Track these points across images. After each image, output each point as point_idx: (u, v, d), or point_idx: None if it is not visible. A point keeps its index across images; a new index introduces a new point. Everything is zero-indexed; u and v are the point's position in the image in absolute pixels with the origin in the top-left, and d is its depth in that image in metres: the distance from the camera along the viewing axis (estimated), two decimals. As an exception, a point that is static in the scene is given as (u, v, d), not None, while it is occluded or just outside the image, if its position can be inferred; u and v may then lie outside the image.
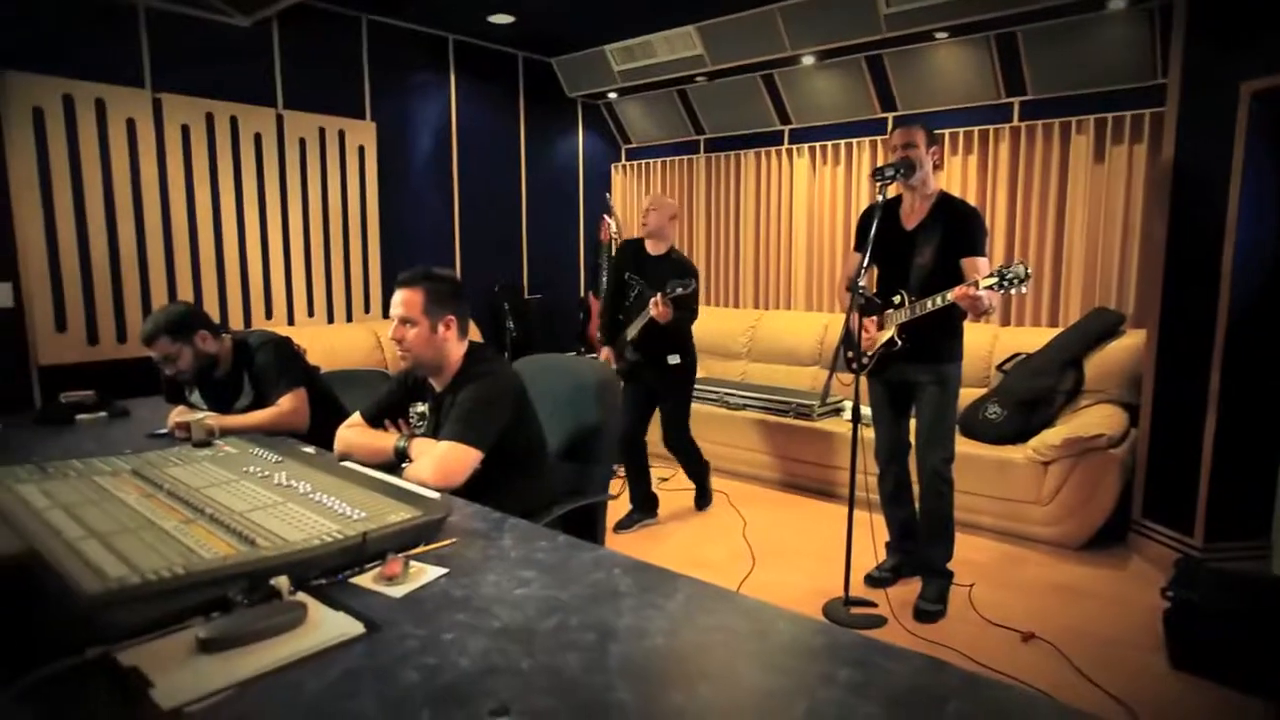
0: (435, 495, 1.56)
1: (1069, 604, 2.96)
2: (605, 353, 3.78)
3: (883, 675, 0.99)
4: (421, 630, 1.09)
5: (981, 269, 2.56)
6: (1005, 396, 3.84)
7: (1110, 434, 3.34)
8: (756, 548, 3.49)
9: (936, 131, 4.45)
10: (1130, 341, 3.75)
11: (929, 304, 2.59)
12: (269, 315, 4.31)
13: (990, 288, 2.41)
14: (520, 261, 5.68)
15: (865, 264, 2.71)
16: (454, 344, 1.95)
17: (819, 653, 1.05)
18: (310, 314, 4.48)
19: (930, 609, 2.80)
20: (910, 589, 2.99)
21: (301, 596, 1.16)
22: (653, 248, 3.71)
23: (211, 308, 4.07)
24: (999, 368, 4.07)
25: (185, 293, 3.98)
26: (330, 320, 4.56)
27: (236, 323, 4.18)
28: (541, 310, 5.66)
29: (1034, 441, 3.49)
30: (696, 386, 4.81)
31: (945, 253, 2.65)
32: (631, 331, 3.62)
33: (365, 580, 1.25)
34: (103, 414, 2.55)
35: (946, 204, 2.74)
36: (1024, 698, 0.95)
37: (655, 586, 1.24)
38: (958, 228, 2.67)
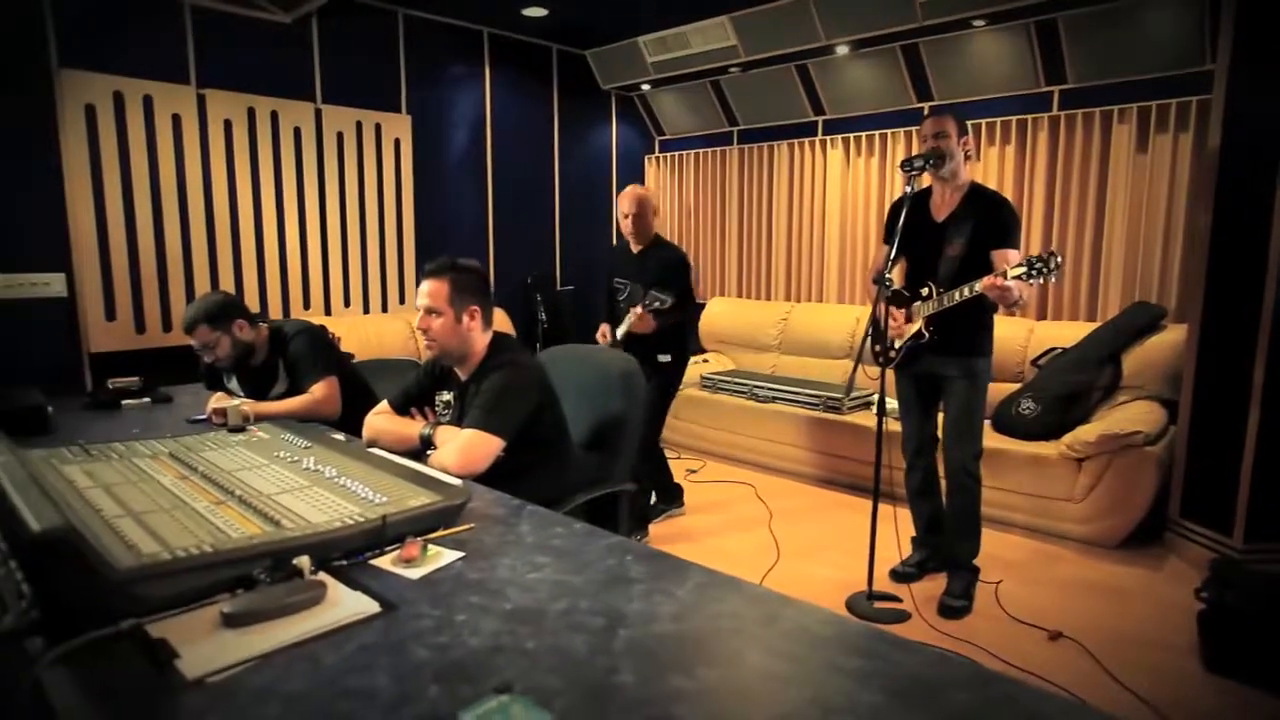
0: (457, 482, 1.59)
1: (1101, 603, 2.90)
2: (604, 328, 3.60)
3: (889, 666, 0.99)
4: (435, 610, 1.12)
5: (1012, 261, 2.51)
6: (1040, 392, 3.77)
7: (1147, 431, 3.26)
8: (782, 541, 3.49)
9: (973, 121, 4.41)
10: (1172, 336, 3.64)
11: (956, 295, 2.56)
12: (307, 305, 4.42)
13: (1019, 278, 2.37)
14: (553, 253, 5.72)
15: (894, 256, 2.68)
16: (478, 334, 1.99)
17: (826, 642, 1.06)
18: (347, 304, 4.58)
19: (955, 605, 2.77)
20: (936, 584, 2.96)
21: (322, 576, 1.21)
22: (634, 245, 3.56)
23: (252, 298, 4.19)
24: (1034, 362, 3.99)
25: (227, 283, 4.10)
26: (366, 310, 4.66)
27: (276, 312, 4.29)
28: (574, 302, 5.71)
29: (1068, 438, 3.42)
30: (725, 379, 4.83)
31: (976, 244, 2.61)
32: (619, 332, 3.44)
33: (384, 562, 1.29)
34: (146, 399, 2.65)
35: (978, 195, 2.69)
36: (1033, 692, 0.93)
37: (666, 574, 1.26)
38: (990, 219, 2.62)
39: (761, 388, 4.63)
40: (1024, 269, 2.36)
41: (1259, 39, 2.96)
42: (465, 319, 1.94)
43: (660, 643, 1.04)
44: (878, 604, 2.79)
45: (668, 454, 4.87)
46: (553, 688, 0.92)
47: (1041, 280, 2.34)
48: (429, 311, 1.93)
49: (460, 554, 1.33)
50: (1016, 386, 3.96)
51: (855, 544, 3.19)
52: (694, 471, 4.56)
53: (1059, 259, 2.32)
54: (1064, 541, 3.45)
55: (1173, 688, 2.32)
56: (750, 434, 4.59)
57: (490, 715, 0.80)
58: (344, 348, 3.49)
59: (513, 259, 5.39)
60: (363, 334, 4.24)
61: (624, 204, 3.51)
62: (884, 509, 2.83)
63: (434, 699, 0.89)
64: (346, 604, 1.14)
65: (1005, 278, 2.39)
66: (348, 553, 1.30)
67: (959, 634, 2.67)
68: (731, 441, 4.71)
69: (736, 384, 4.76)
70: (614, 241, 6.09)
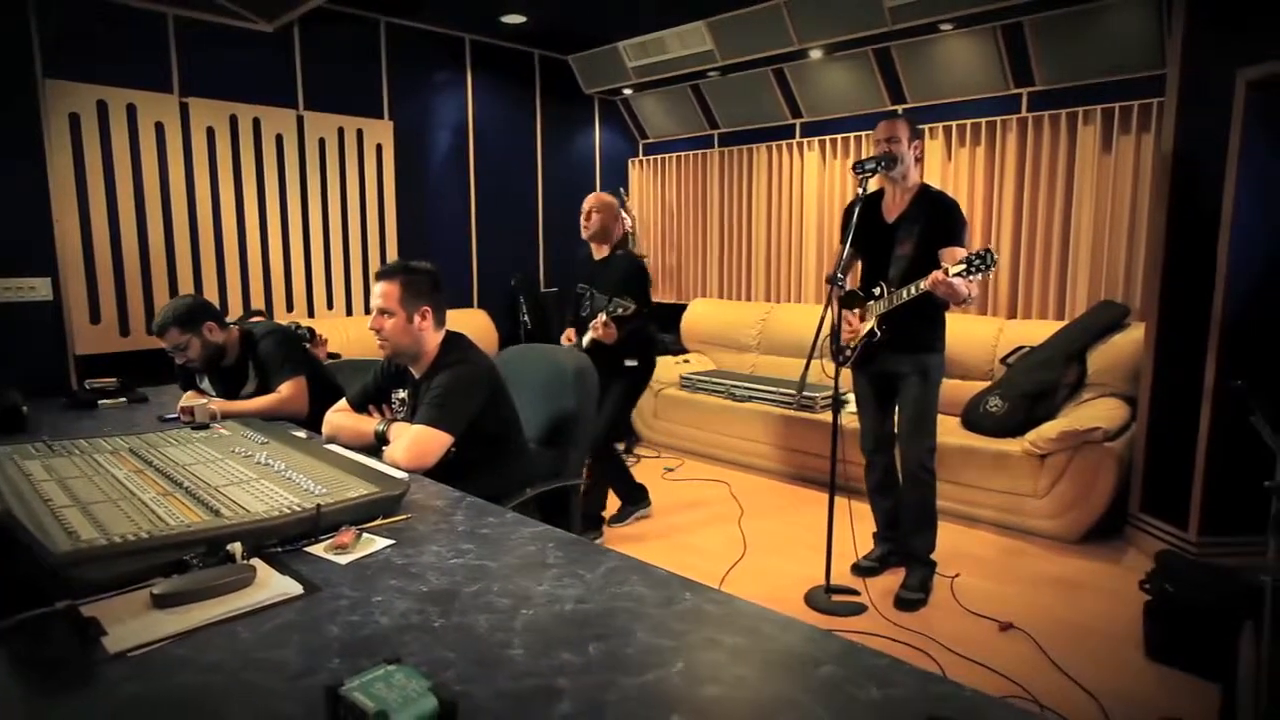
0: (401, 475, 1.67)
1: (1058, 596, 2.97)
2: (568, 332, 3.62)
3: (767, 641, 1.07)
4: (356, 593, 1.20)
5: (959, 258, 2.58)
6: (1008, 389, 3.83)
7: (1107, 427, 3.32)
8: (751, 537, 3.55)
9: (945, 123, 4.48)
10: (1135, 334, 3.70)
11: (904, 294, 2.63)
12: (290, 307, 4.50)
13: (959, 274, 2.44)
14: (537, 255, 5.80)
15: (849, 256, 2.75)
16: (430, 333, 2.06)
17: (713, 619, 1.12)
18: (330, 306, 4.66)
19: (911, 597, 2.84)
20: (896, 578, 3.02)
21: (254, 561, 1.28)
22: (596, 251, 3.58)
23: (235, 301, 4.28)
24: (1003, 360, 4.06)
25: (210, 287, 4.19)
26: (349, 313, 4.74)
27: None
28: (557, 303, 5.78)
29: (1031, 434, 3.48)
30: (704, 379, 4.90)
31: (925, 244, 2.68)
32: (585, 341, 3.41)
33: (318, 549, 1.36)
34: (123, 399, 2.73)
35: (927, 196, 2.76)
36: (896, 666, 1.00)
37: (581, 560, 1.33)
38: (938, 220, 2.70)
39: (739, 387, 4.70)
40: (963, 266, 2.44)
41: (1205, 41, 3.02)
42: (417, 319, 2.02)
43: (558, 621, 1.11)
44: (835, 597, 2.85)
45: (647, 453, 4.98)
46: (444, 660, 0.99)
47: (980, 275, 2.41)
48: (381, 312, 2.01)
49: (391, 541, 1.40)
50: (986, 384, 4.02)
51: (821, 540, 3.25)
52: (671, 470, 4.63)
53: (994, 255, 2.40)
54: (1027, 536, 3.51)
55: (1114, 675, 2.39)
56: (728, 433, 4.66)
57: (373, 682, 0.87)
58: (329, 348, 3.57)
59: (497, 261, 5.47)
60: (344, 335, 4.33)
61: (585, 204, 3.55)
62: (846, 505, 2.89)
63: (333, 669, 0.97)
64: (273, 586, 1.21)
65: (947, 274, 2.46)
66: (285, 540, 1.37)
67: (914, 626, 2.73)
68: (710, 440, 4.78)
69: (715, 383, 4.83)
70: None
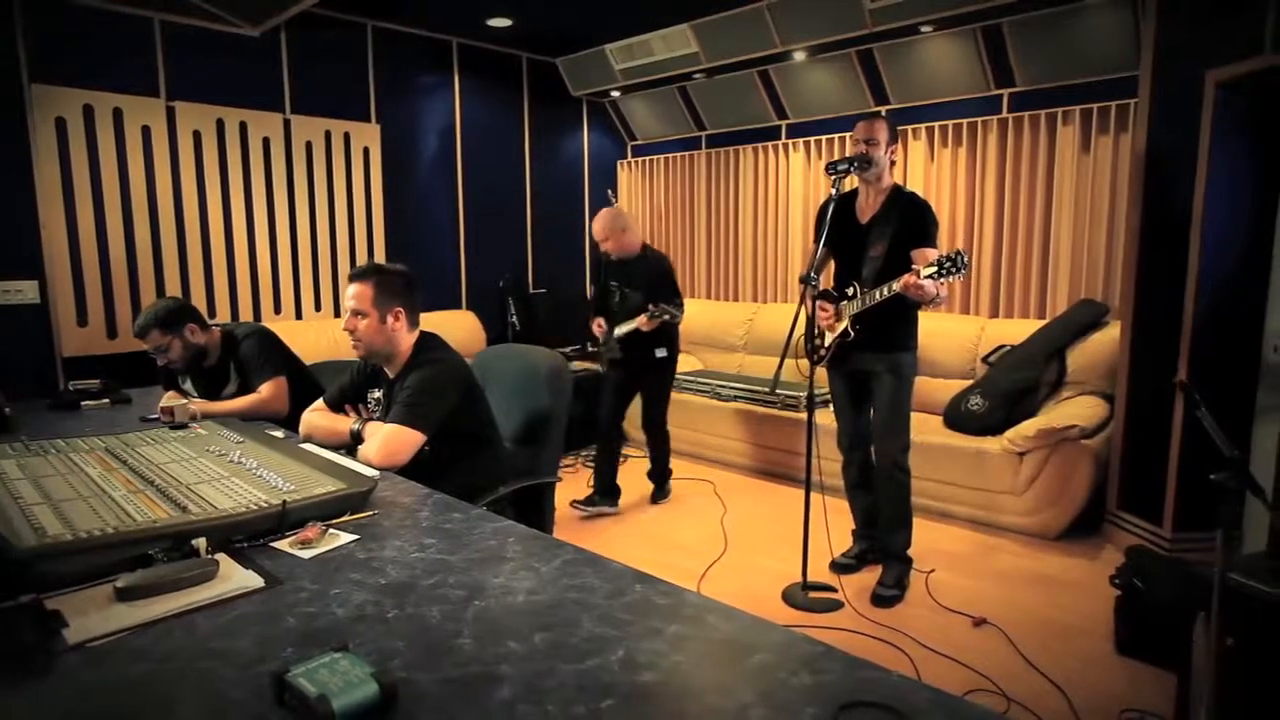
0: (371, 473, 1.70)
1: (1034, 592, 3.00)
2: (598, 322, 3.98)
3: (708, 630, 1.10)
4: (315, 586, 1.23)
5: (930, 259, 2.62)
6: (988, 388, 3.86)
7: (1084, 425, 3.36)
8: (732, 534, 3.59)
9: (928, 124, 4.52)
10: (1114, 333, 3.73)
11: (877, 294, 2.67)
12: (278, 310, 4.53)
13: (930, 277, 2.48)
14: (525, 257, 5.83)
15: (822, 256, 2.79)
16: (404, 334, 2.09)
17: (659, 610, 1.16)
18: (318, 309, 4.69)
19: (886, 594, 2.87)
20: (874, 575, 3.05)
21: (219, 556, 1.31)
22: (627, 257, 3.88)
23: (223, 304, 4.31)
24: (984, 360, 4.09)
25: (198, 290, 4.22)
26: (337, 315, 4.76)
27: (246, 317, 4.40)
28: (546, 304, 5.82)
29: (1010, 432, 3.52)
30: (690, 379, 4.94)
31: (897, 245, 2.71)
32: (621, 331, 3.82)
33: (283, 544, 1.40)
34: (106, 400, 2.76)
35: (899, 197, 2.80)
36: (829, 653, 1.02)
37: (538, 553, 1.36)
38: (910, 220, 2.73)
39: (724, 387, 4.73)
40: (934, 269, 2.47)
41: (1176, 42, 3.06)
42: (389, 320, 2.05)
43: (509, 612, 1.14)
44: (812, 594, 2.89)
45: (635, 453, 4.99)
46: (394, 649, 1.03)
47: (951, 278, 2.45)
48: (355, 313, 2.04)
49: (355, 536, 1.44)
50: (968, 383, 4.06)
51: (801, 537, 3.30)
52: (656, 469, 4.66)
53: (964, 258, 2.44)
54: (1005, 533, 3.55)
55: (1084, 669, 2.42)
56: (713, 432, 4.70)
57: (318, 669, 0.91)
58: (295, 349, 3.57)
59: (485, 263, 5.50)
60: (331, 338, 4.36)
61: (596, 234, 3.83)
62: (831, 501, 2.91)
63: (284, 658, 1.00)
64: (235, 580, 1.24)
65: (919, 276, 2.50)
66: (251, 535, 1.41)
67: (889, 622, 2.76)
68: (696, 439, 4.81)
69: (701, 383, 4.86)
70: (586, 243, 6.21)
